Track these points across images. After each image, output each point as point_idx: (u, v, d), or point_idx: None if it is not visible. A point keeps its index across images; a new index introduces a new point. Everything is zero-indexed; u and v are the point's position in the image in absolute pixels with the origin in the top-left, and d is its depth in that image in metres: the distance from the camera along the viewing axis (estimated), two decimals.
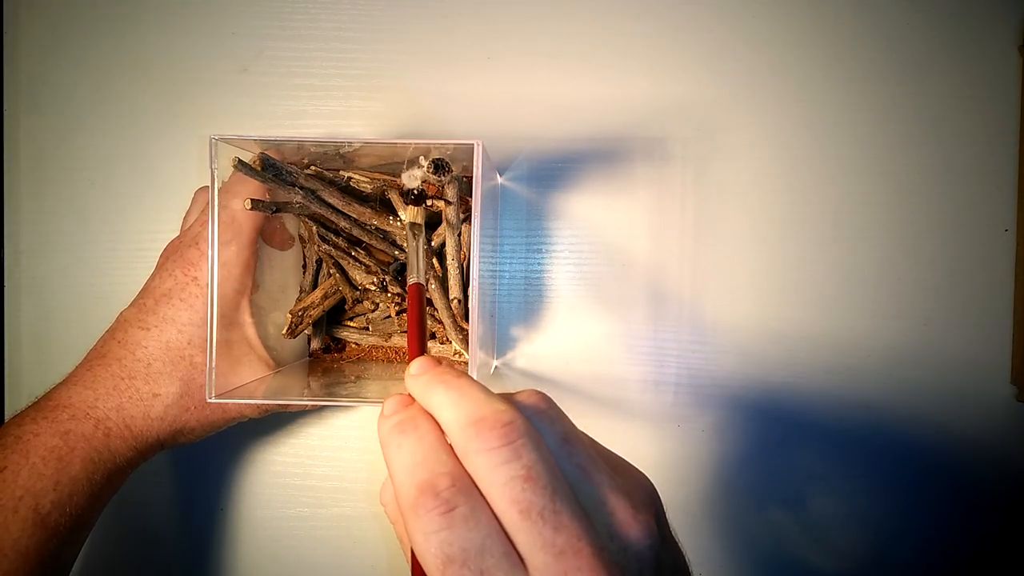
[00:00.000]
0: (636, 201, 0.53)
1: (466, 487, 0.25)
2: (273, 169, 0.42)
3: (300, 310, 0.48)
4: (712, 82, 0.53)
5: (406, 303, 0.48)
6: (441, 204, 0.45)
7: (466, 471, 0.25)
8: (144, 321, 0.43)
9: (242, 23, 0.54)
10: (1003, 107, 0.52)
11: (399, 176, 0.44)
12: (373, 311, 0.50)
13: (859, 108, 0.53)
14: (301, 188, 0.43)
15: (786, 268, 0.53)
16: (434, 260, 0.47)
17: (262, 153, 0.41)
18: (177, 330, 0.43)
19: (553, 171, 0.53)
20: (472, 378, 0.28)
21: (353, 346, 0.53)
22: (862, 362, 0.52)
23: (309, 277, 0.50)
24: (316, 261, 0.50)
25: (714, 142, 0.53)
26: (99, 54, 0.55)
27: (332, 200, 0.45)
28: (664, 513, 0.28)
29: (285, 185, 0.43)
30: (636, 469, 0.29)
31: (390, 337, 0.51)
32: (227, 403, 0.43)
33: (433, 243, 0.47)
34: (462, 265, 0.46)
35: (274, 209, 0.43)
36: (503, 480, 0.24)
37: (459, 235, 0.46)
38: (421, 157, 0.42)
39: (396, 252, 0.48)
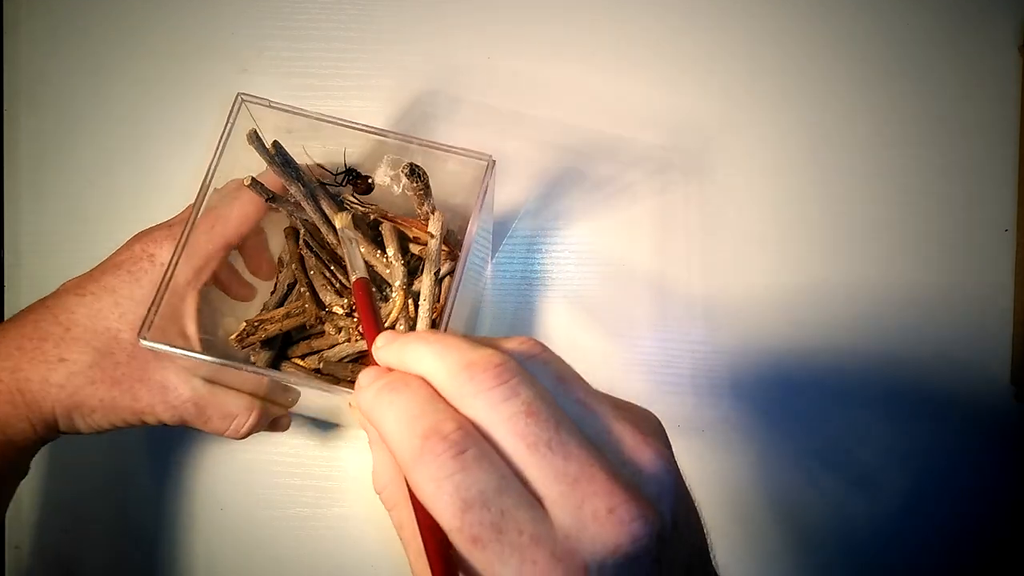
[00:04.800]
0: (638, 204, 0.53)
1: (471, 431, 0.24)
2: (282, 156, 0.41)
3: (258, 320, 0.45)
4: (713, 79, 0.53)
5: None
6: (425, 237, 0.42)
7: (467, 417, 0.24)
8: (82, 288, 0.40)
9: (242, 23, 0.54)
10: (1003, 107, 0.52)
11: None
12: (330, 348, 0.46)
13: (859, 108, 0.53)
14: (304, 184, 0.43)
15: (787, 269, 0.53)
16: (409, 303, 0.43)
17: (276, 142, 0.40)
18: (113, 301, 0.39)
19: (552, 173, 0.53)
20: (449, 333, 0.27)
21: (293, 392, 0.48)
22: (862, 362, 0.52)
23: (275, 299, 0.47)
24: (288, 285, 0.47)
25: (716, 141, 0.53)
26: (99, 54, 0.55)
27: (327, 209, 0.43)
28: (674, 456, 0.27)
29: (289, 176, 0.42)
30: (638, 406, 0.28)
31: (338, 383, 0.47)
32: (140, 385, 0.39)
33: (413, 286, 0.44)
34: (433, 318, 0.43)
35: (269, 196, 0.42)
36: (505, 417, 0.24)
37: (438, 279, 0.43)
38: (402, 161, 0.40)
39: (374, 288, 0.45)
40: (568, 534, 0.23)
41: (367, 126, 0.40)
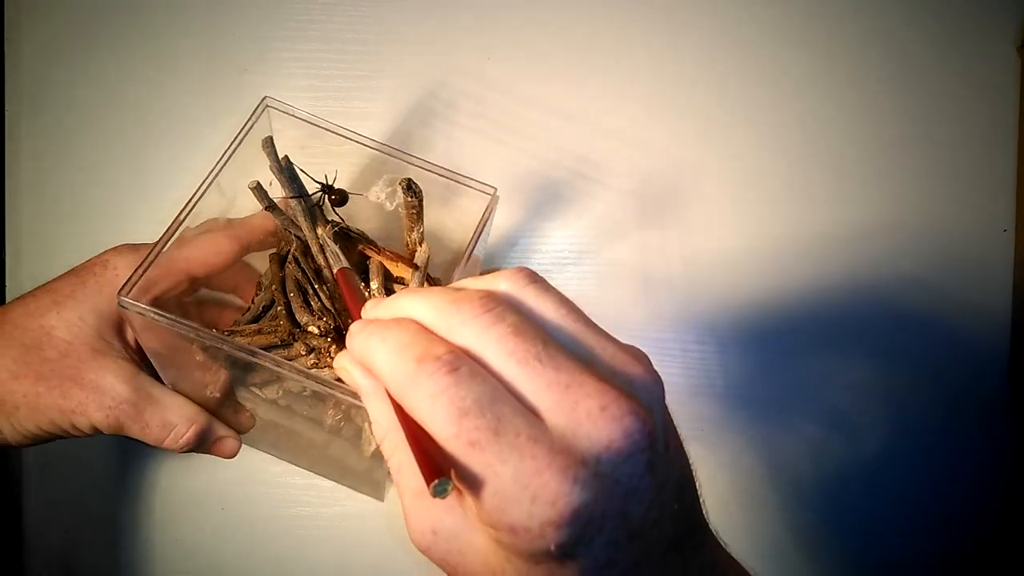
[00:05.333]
0: (631, 204, 0.53)
1: (462, 353, 0.25)
2: (290, 171, 0.41)
3: (228, 331, 0.42)
4: (711, 78, 0.53)
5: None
6: (409, 279, 0.42)
7: (457, 344, 0.25)
8: (28, 293, 0.39)
9: (242, 24, 0.54)
10: (1003, 107, 0.52)
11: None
12: (311, 364, 0.43)
13: (859, 108, 0.53)
14: (304, 201, 0.43)
15: (785, 268, 0.53)
16: None
17: (286, 156, 0.41)
18: (52, 300, 0.38)
19: (541, 184, 0.53)
20: None
21: (247, 415, 0.46)
22: (861, 362, 0.52)
23: (248, 317, 0.45)
24: (263, 308, 0.46)
25: (714, 137, 0.53)
26: (100, 55, 0.55)
27: (321, 231, 0.43)
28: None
29: (292, 190, 0.42)
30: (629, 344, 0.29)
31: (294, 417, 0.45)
32: (70, 383, 0.37)
33: None
34: None
35: (269, 204, 0.42)
36: (494, 338, 0.24)
37: None
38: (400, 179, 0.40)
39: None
40: (564, 435, 0.23)
41: (389, 146, 0.40)
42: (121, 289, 0.35)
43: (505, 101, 0.53)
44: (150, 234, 0.55)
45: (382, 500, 0.46)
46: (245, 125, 0.39)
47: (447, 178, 0.39)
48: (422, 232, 0.41)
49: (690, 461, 0.28)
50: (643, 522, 0.24)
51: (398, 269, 0.43)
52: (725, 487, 0.52)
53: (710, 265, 0.53)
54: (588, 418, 0.24)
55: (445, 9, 0.54)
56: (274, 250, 0.45)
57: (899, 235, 0.52)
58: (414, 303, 0.27)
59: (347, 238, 0.43)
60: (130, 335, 0.40)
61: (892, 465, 0.52)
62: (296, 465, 0.50)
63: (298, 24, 0.54)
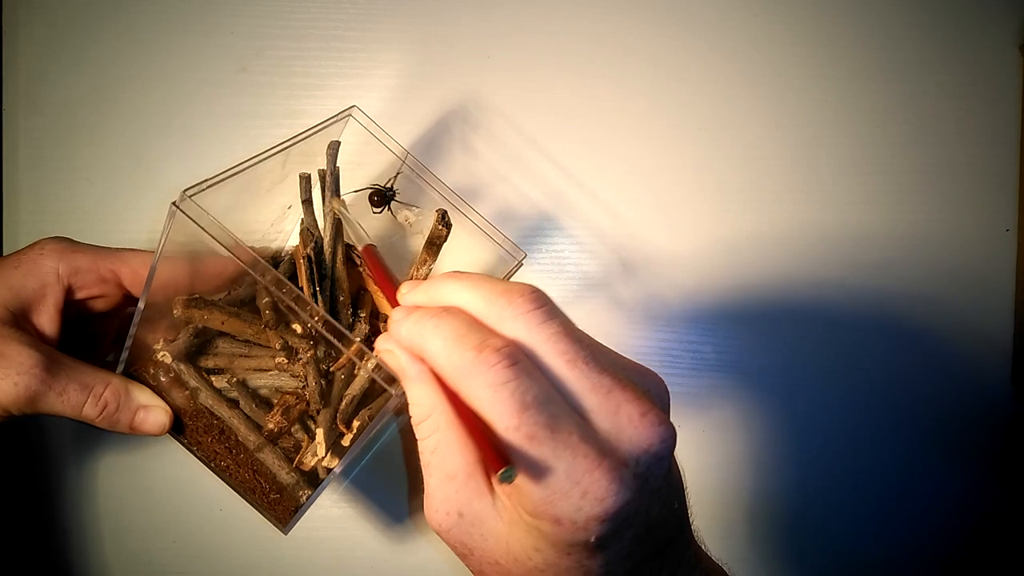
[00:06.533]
0: (637, 204, 0.53)
1: (518, 349, 0.26)
2: (335, 178, 0.43)
3: (211, 300, 0.39)
4: (712, 69, 0.53)
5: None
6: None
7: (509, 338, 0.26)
8: None
9: (241, 22, 0.54)
10: (1004, 107, 0.52)
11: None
12: (254, 371, 0.41)
13: (859, 108, 0.53)
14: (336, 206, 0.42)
15: (785, 269, 0.53)
16: (365, 360, 0.36)
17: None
18: None
19: (545, 180, 0.53)
20: None
21: (182, 394, 0.42)
22: (862, 362, 0.52)
23: (230, 299, 0.43)
24: (240, 301, 0.43)
25: (714, 133, 0.53)
26: (98, 54, 0.55)
27: (337, 203, 0.43)
28: None
29: (334, 194, 0.42)
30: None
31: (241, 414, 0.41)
32: None
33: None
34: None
35: (306, 197, 0.42)
36: (545, 337, 0.26)
37: None
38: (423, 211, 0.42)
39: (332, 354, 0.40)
40: (608, 436, 0.26)
41: (457, 195, 0.43)
42: (187, 189, 0.34)
43: (504, 100, 0.53)
44: (148, 234, 0.55)
45: (285, 532, 0.41)
46: (327, 120, 0.40)
47: (487, 233, 0.41)
48: (431, 269, 0.41)
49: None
50: (657, 519, 0.26)
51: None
52: (719, 487, 0.52)
53: (709, 266, 0.53)
54: (630, 423, 0.26)
55: (444, 7, 0.54)
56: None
57: (901, 235, 0.52)
58: (459, 290, 0.28)
59: (352, 263, 0.43)
60: (42, 320, 0.39)
61: (893, 464, 0.52)
62: (208, 467, 0.44)
63: (297, 23, 0.54)
